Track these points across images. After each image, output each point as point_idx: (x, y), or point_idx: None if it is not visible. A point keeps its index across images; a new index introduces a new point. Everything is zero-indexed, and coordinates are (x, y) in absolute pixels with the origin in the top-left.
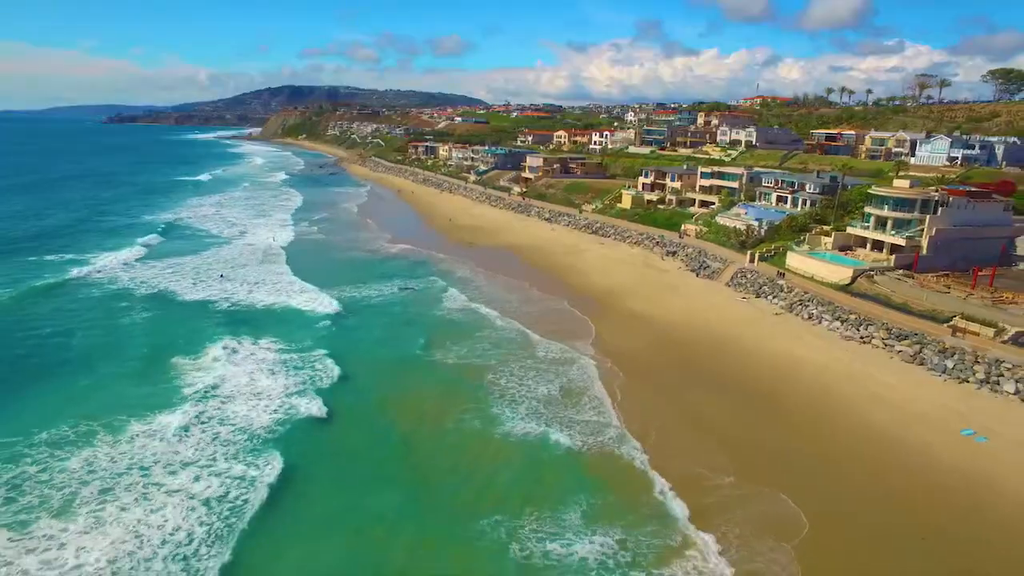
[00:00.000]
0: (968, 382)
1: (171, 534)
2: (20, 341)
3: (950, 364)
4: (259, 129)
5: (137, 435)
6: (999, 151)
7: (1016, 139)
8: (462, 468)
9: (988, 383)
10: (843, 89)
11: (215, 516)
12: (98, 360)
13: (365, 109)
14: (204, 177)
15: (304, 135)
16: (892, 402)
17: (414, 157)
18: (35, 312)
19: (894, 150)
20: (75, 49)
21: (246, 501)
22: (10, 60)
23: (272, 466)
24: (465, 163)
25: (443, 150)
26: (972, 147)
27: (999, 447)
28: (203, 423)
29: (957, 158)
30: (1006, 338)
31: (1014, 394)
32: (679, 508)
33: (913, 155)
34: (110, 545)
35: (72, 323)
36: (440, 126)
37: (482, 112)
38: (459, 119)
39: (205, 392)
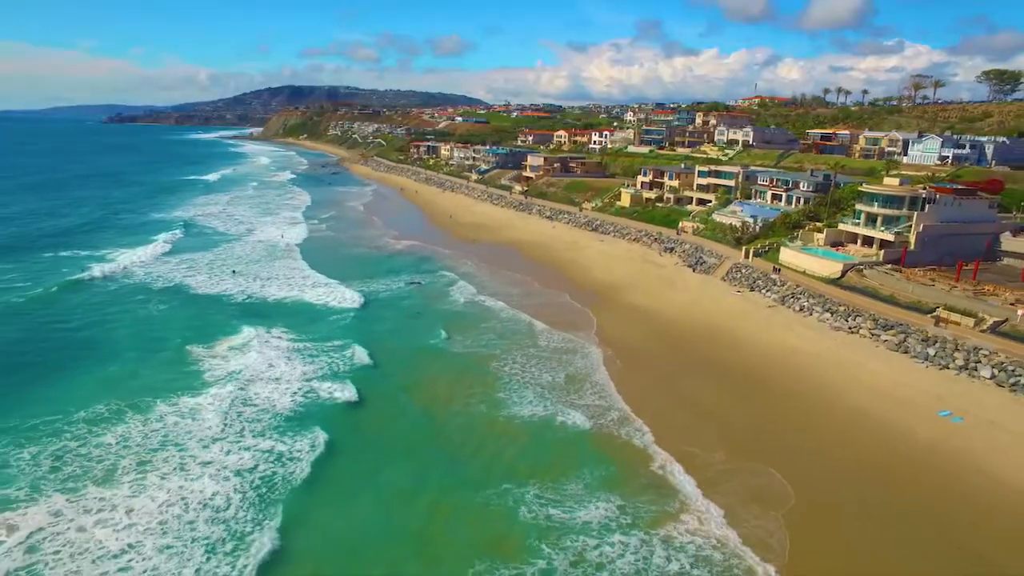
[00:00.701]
0: (948, 368)
1: (210, 498)
2: (51, 332)
3: (932, 352)
4: (260, 129)
5: (167, 413)
6: (989, 150)
7: (1005, 139)
8: (474, 445)
9: (967, 369)
10: (839, 89)
11: (250, 486)
12: (127, 349)
13: (366, 109)
14: (213, 177)
15: (305, 135)
16: (876, 387)
17: (416, 157)
18: (62, 306)
19: (887, 149)
20: (75, 49)
21: (290, 472)
22: (10, 60)
23: (311, 439)
24: (467, 162)
25: (445, 150)
26: (962, 147)
27: (972, 426)
28: (242, 403)
29: (948, 157)
30: (985, 327)
31: (990, 379)
32: (676, 480)
33: (905, 154)
34: (157, 508)
35: (97, 316)
36: (441, 126)
37: (482, 112)
38: (460, 119)
39: (239, 376)
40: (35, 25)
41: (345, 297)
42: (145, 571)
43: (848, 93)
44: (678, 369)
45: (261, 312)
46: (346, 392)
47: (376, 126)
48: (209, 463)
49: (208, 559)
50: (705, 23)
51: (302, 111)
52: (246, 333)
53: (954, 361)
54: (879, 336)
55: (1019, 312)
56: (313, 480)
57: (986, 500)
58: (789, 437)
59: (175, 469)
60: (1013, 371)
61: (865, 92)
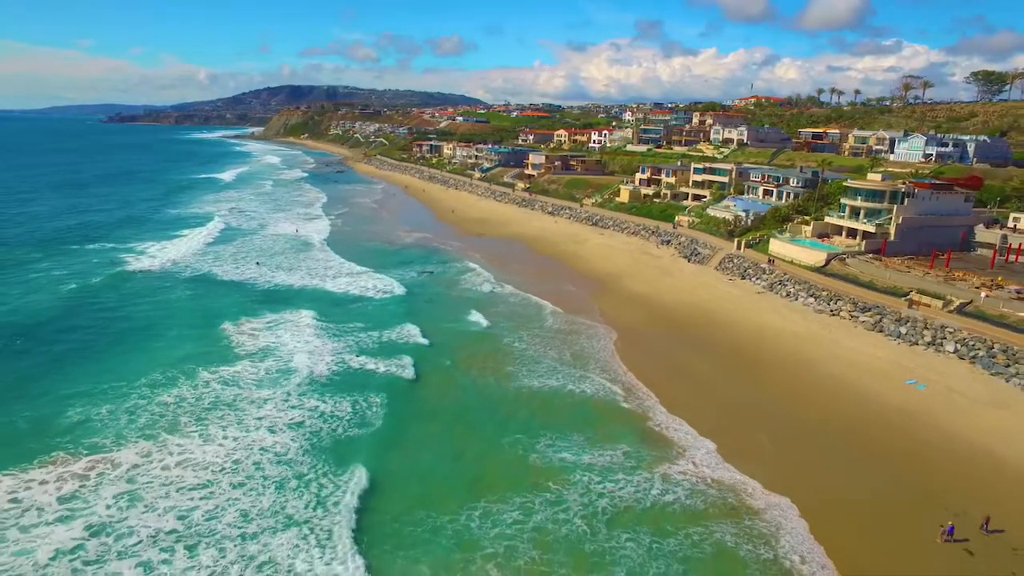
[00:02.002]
0: (917, 344)
1: (269, 446)
2: (101, 316)
3: (904, 330)
4: (261, 128)
5: (227, 379)
6: (971, 148)
7: (986, 138)
8: (500, 407)
9: (933, 344)
10: (832, 90)
11: (304, 437)
12: (175, 328)
13: (366, 109)
14: (228, 175)
15: (306, 134)
16: (852, 361)
17: (418, 155)
18: (107, 294)
19: (875, 148)
20: (73, 49)
21: (352, 427)
22: (8, 60)
23: (372, 401)
24: (469, 161)
25: (447, 149)
26: (946, 145)
27: (934, 392)
28: (319, 378)
29: (932, 155)
30: (952, 308)
31: (953, 352)
32: (673, 435)
33: (892, 152)
34: (226, 452)
35: (139, 302)
36: (442, 125)
37: (482, 112)
38: (460, 119)
39: (293, 350)
40: (33, 25)
41: (384, 284)
42: (228, 500)
43: (841, 93)
44: (674, 347)
45: (308, 297)
46: (405, 363)
47: (377, 125)
48: (261, 418)
49: (280, 494)
50: (704, 23)
51: (303, 111)
52: (300, 313)
53: (923, 338)
54: (857, 317)
55: (983, 294)
56: (366, 434)
57: (939, 450)
58: (771, 402)
59: (233, 423)
60: (973, 345)
61: (857, 92)
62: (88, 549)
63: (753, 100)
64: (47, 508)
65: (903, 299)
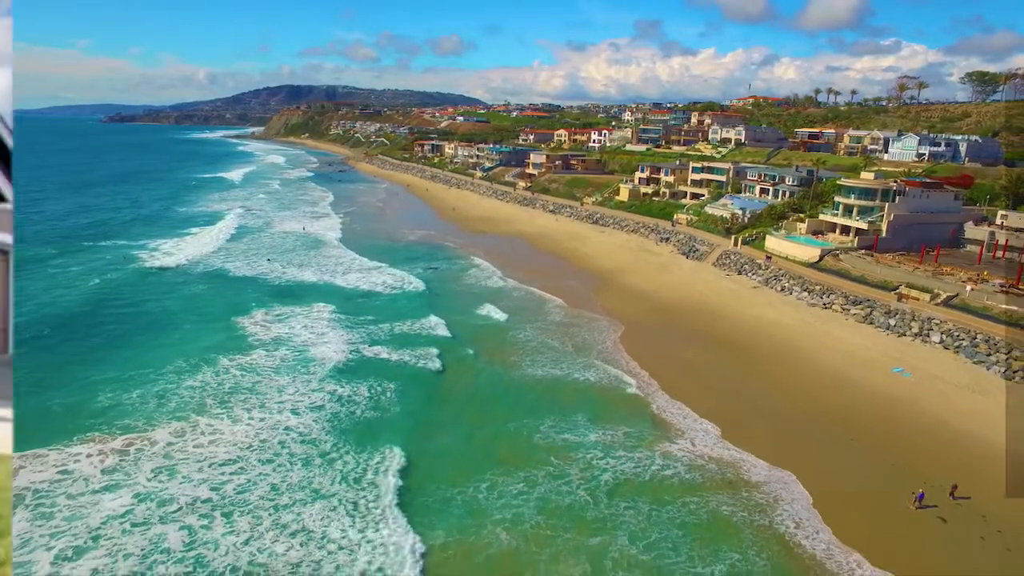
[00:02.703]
0: (905, 336)
1: (293, 426)
2: (123, 309)
3: (893, 322)
4: (261, 128)
5: (268, 367)
6: (963, 148)
7: (977, 138)
8: (509, 393)
9: (920, 336)
10: (829, 90)
11: (321, 420)
12: (205, 320)
13: (367, 109)
14: (235, 175)
15: (307, 134)
16: (842, 351)
17: (420, 155)
18: (127, 289)
19: (869, 147)
20: (72, 48)
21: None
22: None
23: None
24: (471, 160)
25: (449, 148)
26: (938, 144)
27: (919, 379)
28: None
29: (925, 154)
30: (939, 301)
31: (938, 343)
32: (673, 418)
33: (886, 152)
34: (254, 432)
35: (160, 296)
36: (443, 125)
37: (482, 112)
38: (461, 118)
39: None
40: (31, 24)
41: (399, 279)
42: (259, 474)
43: (838, 94)
44: (674, 338)
45: (329, 291)
46: (431, 354)
47: (378, 125)
48: (282, 402)
49: (308, 470)
50: (704, 23)
51: (303, 110)
52: (319, 307)
53: (911, 329)
54: (849, 311)
55: (968, 288)
56: (390, 412)
57: (923, 433)
58: (768, 390)
59: (256, 407)
60: (957, 336)
61: (854, 92)
62: (136, 514)
63: (751, 100)
64: (92, 479)
65: (893, 293)
